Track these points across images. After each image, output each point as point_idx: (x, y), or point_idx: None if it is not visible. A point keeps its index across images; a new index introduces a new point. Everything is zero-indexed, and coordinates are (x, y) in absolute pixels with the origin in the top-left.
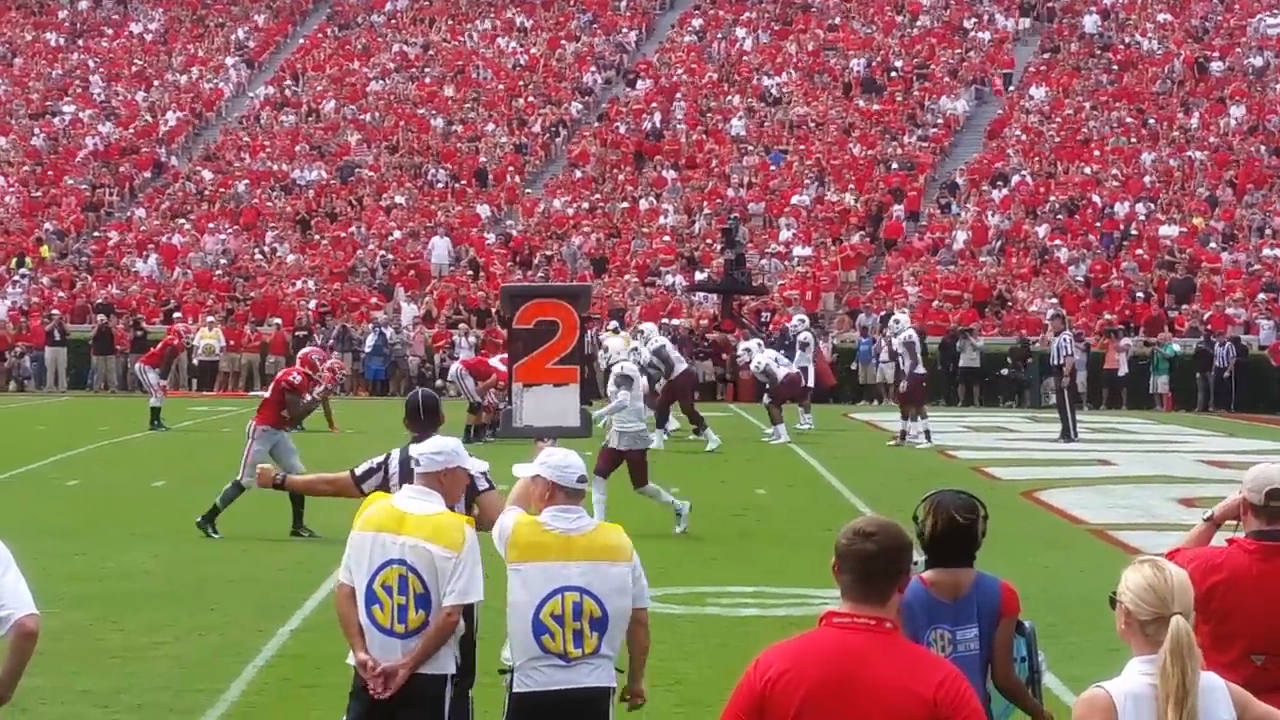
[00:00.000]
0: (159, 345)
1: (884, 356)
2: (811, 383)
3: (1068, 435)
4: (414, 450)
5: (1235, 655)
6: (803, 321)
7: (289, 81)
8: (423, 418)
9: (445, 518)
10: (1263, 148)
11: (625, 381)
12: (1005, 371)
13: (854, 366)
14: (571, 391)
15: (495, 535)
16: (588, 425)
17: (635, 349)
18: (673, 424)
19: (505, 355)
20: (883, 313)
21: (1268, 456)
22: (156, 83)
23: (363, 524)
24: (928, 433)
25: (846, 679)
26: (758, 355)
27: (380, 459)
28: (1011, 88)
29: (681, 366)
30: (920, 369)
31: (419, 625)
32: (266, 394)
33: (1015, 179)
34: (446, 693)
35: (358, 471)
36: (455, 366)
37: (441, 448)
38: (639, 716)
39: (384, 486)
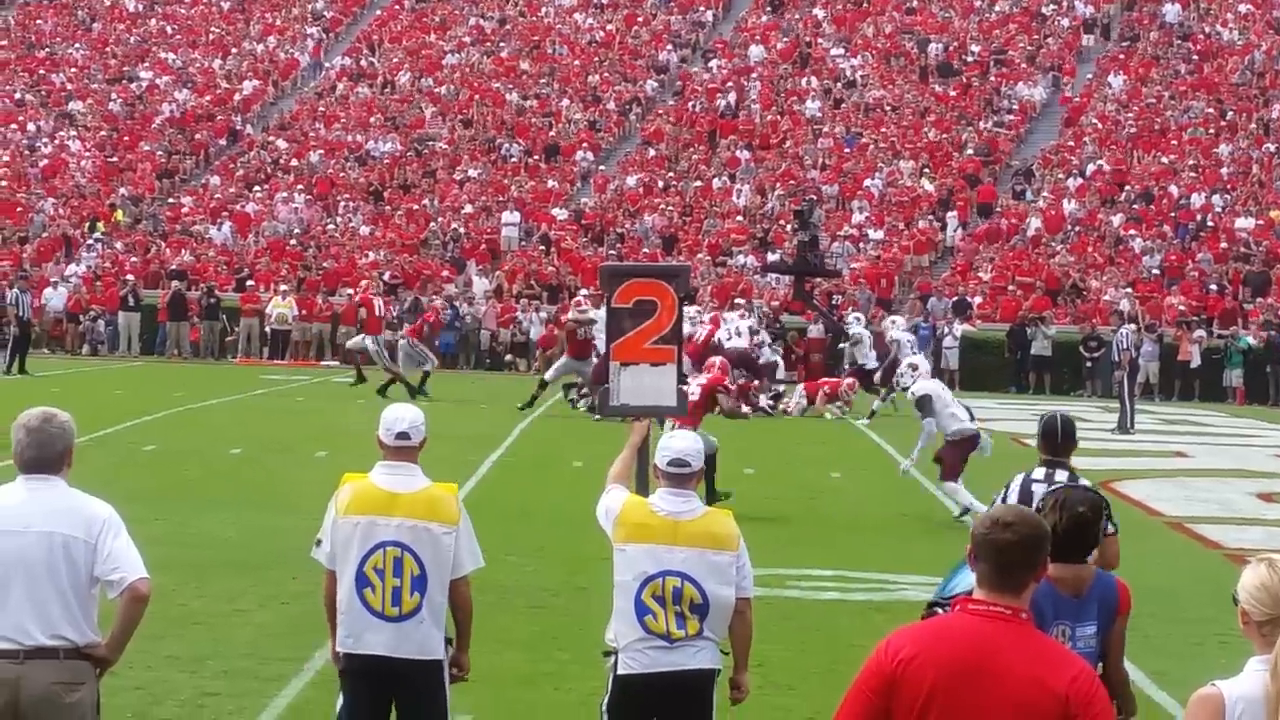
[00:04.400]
0: (418, 319)
1: (946, 342)
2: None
3: (1124, 427)
4: (400, 424)
5: None
6: (859, 319)
7: (365, 52)
8: (1059, 441)
9: (436, 491)
10: None
11: (925, 402)
12: None
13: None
14: (669, 371)
15: (600, 513)
16: (684, 404)
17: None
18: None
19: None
20: (955, 298)
21: None
22: (234, 50)
23: (347, 508)
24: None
25: (979, 666)
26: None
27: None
28: (1087, 80)
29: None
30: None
31: (414, 609)
32: None
33: (1091, 168)
34: (445, 678)
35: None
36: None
37: (419, 415)
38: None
39: None
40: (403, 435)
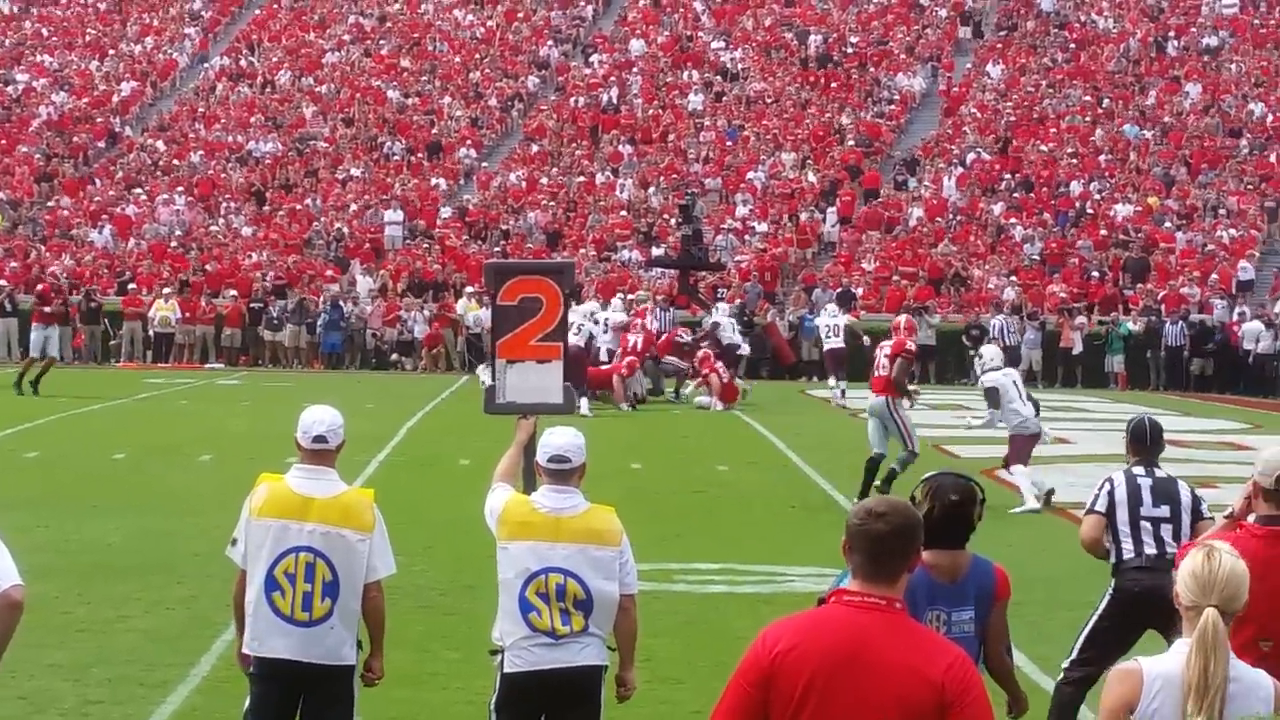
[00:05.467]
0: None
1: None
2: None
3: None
4: (318, 428)
5: (1244, 640)
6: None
7: (245, 52)
8: (1149, 444)
9: (351, 497)
10: (1217, 127)
11: (992, 395)
12: None
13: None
14: (555, 368)
15: (486, 512)
16: (571, 402)
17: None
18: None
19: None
20: (839, 289)
21: (1225, 435)
22: (111, 52)
23: (261, 510)
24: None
25: (855, 657)
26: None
27: (1101, 485)
28: (966, 69)
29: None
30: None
31: (324, 614)
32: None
33: (971, 157)
34: (355, 683)
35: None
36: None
37: (337, 419)
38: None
39: (1111, 512)
40: (319, 439)
